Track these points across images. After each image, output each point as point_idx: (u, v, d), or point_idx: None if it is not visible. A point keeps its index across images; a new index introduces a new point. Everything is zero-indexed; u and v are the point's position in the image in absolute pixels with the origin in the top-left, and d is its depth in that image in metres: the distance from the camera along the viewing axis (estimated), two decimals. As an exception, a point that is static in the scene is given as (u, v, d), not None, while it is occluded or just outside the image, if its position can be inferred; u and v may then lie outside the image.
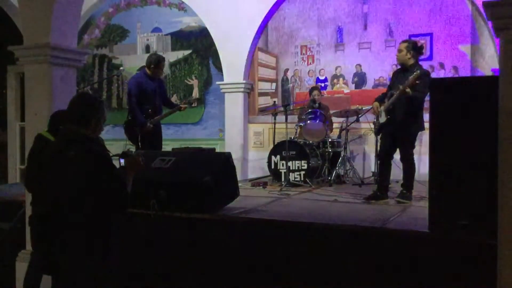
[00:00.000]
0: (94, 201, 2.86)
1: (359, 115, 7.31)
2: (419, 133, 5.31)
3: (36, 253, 3.54)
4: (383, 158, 5.30)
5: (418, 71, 4.83)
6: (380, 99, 5.35)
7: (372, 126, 6.01)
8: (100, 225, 2.92)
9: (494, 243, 3.12)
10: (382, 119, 5.19)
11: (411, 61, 5.13)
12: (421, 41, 7.55)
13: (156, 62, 6.17)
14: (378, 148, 5.65)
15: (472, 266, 3.33)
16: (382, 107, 5.20)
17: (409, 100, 4.91)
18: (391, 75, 5.53)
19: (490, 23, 3.78)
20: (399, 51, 5.19)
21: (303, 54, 8.88)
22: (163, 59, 6.34)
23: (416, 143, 5.31)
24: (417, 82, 4.83)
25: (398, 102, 5.00)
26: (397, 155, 5.28)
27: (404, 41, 5.31)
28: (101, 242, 2.94)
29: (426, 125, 5.14)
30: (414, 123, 5.05)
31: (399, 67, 5.50)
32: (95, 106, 3.05)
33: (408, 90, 4.83)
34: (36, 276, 4.01)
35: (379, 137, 5.48)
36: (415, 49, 5.18)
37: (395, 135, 5.13)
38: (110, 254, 3.00)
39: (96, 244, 2.91)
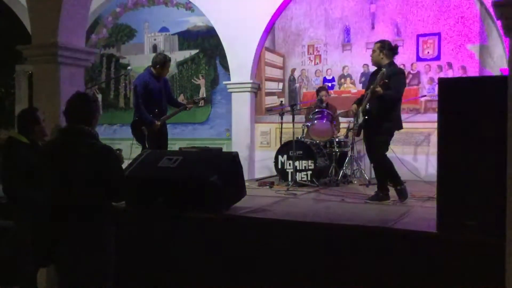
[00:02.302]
0: (103, 193, 3.09)
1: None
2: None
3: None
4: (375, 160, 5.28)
5: (384, 70, 4.88)
6: (358, 102, 5.36)
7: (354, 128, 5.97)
8: (108, 215, 3.17)
9: (503, 243, 3.10)
10: (360, 119, 5.19)
11: (385, 61, 5.15)
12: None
13: (162, 62, 6.16)
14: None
15: (480, 266, 3.31)
16: (360, 108, 5.20)
17: (381, 98, 4.92)
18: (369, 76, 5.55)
19: (499, 23, 3.77)
20: (373, 51, 5.25)
21: (310, 54, 8.86)
22: (169, 59, 6.33)
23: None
24: (385, 80, 4.85)
25: (372, 101, 5.03)
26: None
27: (377, 42, 5.35)
28: (111, 231, 3.18)
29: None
30: (388, 121, 5.04)
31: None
32: (96, 104, 3.30)
33: (378, 89, 4.85)
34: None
35: (361, 138, 5.44)
36: (389, 49, 5.20)
37: (373, 134, 5.13)
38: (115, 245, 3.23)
39: (107, 234, 3.14)
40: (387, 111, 5.01)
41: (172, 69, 9.69)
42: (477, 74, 7.51)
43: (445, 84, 3.59)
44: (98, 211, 3.10)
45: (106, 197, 3.14)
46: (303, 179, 6.70)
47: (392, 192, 5.40)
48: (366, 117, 5.11)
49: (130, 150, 6.39)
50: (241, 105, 9.06)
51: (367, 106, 5.08)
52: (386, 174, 5.15)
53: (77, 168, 3.02)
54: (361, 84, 8.48)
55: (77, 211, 3.02)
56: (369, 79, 5.41)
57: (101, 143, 3.18)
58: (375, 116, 5.03)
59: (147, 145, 5.92)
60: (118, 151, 3.44)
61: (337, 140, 7.18)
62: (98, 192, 3.06)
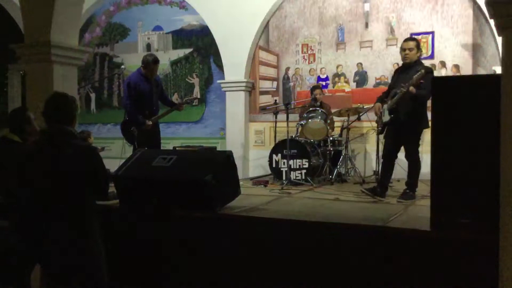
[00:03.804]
0: (89, 192, 3.15)
1: (360, 114, 7.30)
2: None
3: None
4: (387, 158, 5.29)
5: (423, 70, 4.83)
6: (381, 99, 5.34)
7: (375, 125, 5.99)
8: (93, 214, 3.21)
9: (496, 241, 3.11)
10: (386, 118, 5.18)
11: (415, 59, 5.13)
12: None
13: (148, 62, 6.08)
14: (382, 147, 5.63)
15: (473, 265, 3.32)
16: (385, 106, 5.19)
17: (414, 98, 4.91)
18: (393, 74, 5.52)
19: (492, 22, 3.78)
20: (411, 49, 5.11)
21: (304, 53, 8.87)
22: (157, 61, 6.21)
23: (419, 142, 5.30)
24: (421, 81, 4.83)
25: (402, 101, 4.99)
26: (401, 153, 5.28)
27: (411, 39, 5.27)
28: (97, 230, 3.22)
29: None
30: (418, 121, 5.05)
31: (400, 65, 5.50)
32: (75, 104, 3.35)
33: (411, 88, 4.84)
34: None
35: (382, 136, 5.47)
36: (419, 46, 5.20)
37: (400, 134, 5.13)
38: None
39: (93, 232, 3.19)
40: (417, 110, 5.00)
41: (166, 68, 9.68)
42: (470, 73, 7.54)
43: (438, 83, 3.60)
44: (83, 210, 3.13)
45: (92, 196, 3.20)
46: (297, 177, 6.70)
47: (389, 191, 5.42)
48: (392, 116, 5.10)
49: (122, 149, 6.38)
50: (235, 104, 9.06)
51: (394, 105, 5.06)
52: (417, 172, 5.15)
53: (62, 168, 3.05)
54: (355, 83, 8.51)
55: (62, 210, 3.04)
56: (395, 77, 5.35)
57: (84, 142, 3.28)
58: (405, 116, 5.01)
59: (137, 146, 5.88)
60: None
61: (331, 138, 7.20)
62: (83, 191, 3.11)
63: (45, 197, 3.06)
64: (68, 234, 3.05)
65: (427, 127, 5.17)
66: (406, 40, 5.33)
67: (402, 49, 5.21)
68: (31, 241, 3.16)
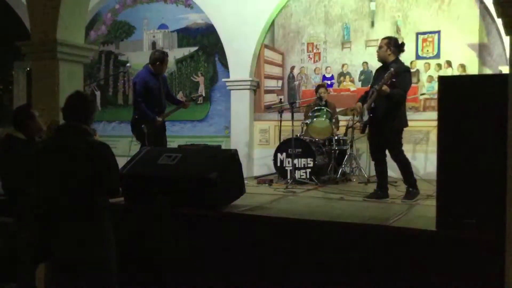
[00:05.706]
0: (102, 190, 3.14)
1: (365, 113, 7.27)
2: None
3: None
4: (375, 157, 5.28)
5: (392, 69, 4.86)
6: (363, 99, 5.34)
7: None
8: (106, 212, 3.20)
9: (502, 241, 3.10)
10: (366, 117, 5.19)
11: (391, 58, 5.15)
12: (430, 38, 7.54)
13: (161, 58, 6.11)
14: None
15: (479, 265, 3.31)
16: (365, 105, 5.19)
17: (389, 97, 4.92)
18: (374, 73, 5.53)
19: (499, 21, 3.76)
20: (380, 47, 5.23)
21: (310, 52, 8.85)
22: (167, 55, 6.26)
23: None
24: (393, 79, 4.84)
25: (378, 100, 5.01)
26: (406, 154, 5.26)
27: (384, 38, 5.34)
28: (109, 228, 3.22)
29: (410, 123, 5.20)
30: (394, 120, 5.03)
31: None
32: (93, 103, 3.41)
33: (384, 88, 4.84)
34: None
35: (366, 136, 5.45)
36: (396, 46, 5.19)
37: (379, 133, 5.13)
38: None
39: (106, 231, 3.18)
40: (393, 109, 5.00)
41: (171, 66, 9.67)
42: (476, 73, 7.50)
43: (445, 82, 3.59)
44: (96, 208, 3.13)
45: (105, 194, 3.19)
46: (302, 177, 6.70)
47: (392, 191, 5.40)
48: (371, 115, 5.10)
49: (129, 147, 6.39)
50: (240, 103, 9.05)
51: (373, 104, 5.07)
52: (408, 170, 5.12)
53: (75, 165, 3.05)
54: (360, 82, 8.48)
55: (75, 208, 3.04)
56: (375, 76, 5.39)
57: (97, 140, 3.29)
58: (381, 115, 5.02)
59: (147, 144, 5.89)
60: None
61: (336, 138, 7.18)
62: (96, 189, 3.10)
63: (57, 194, 3.06)
64: (80, 231, 3.04)
65: (406, 126, 5.16)
66: (382, 38, 5.40)
67: None
68: (42, 238, 3.14)
